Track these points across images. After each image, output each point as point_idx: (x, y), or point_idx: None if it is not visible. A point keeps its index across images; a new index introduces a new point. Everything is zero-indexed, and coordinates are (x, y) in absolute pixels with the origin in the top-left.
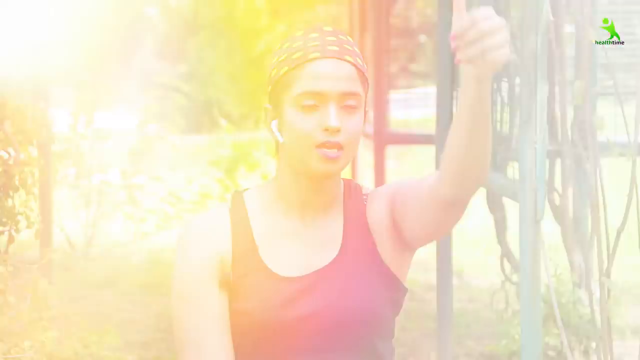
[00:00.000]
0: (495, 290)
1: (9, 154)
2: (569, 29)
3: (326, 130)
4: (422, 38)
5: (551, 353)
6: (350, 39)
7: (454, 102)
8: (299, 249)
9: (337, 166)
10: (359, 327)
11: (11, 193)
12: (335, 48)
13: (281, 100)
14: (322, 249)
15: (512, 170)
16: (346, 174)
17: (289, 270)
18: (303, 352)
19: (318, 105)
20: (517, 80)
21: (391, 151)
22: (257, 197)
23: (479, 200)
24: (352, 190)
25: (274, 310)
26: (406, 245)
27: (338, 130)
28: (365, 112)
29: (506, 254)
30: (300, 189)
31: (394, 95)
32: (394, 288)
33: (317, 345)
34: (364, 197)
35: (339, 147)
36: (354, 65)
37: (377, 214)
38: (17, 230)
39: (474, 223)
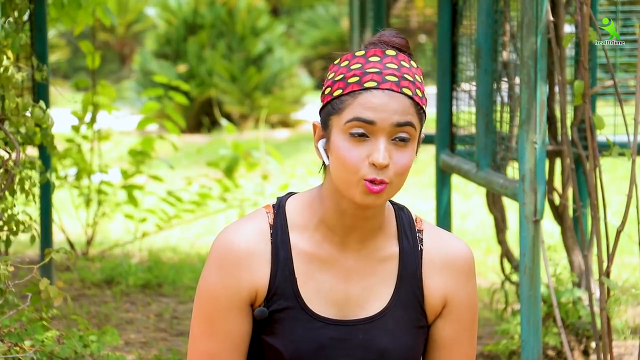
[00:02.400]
0: (495, 290)
1: (9, 154)
2: (569, 29)
3: (373, 165)
4: (422, 38)
5: (551, 353)
6: (413, 64)
7: (454, 102)
8: (340, 284)
9: (380, 200)
10: None
11: (12, 195)
12: (394, 79)
13: (331, 123)
14: (369, 292)
15: (512, 170)
16: None
17: (328, 308)
18: None
19: (368, 136)
20: (517, 80)
21: None
22: (300, 214)
23: (478, 200)
24: (406, 226)
25: (307, 355)
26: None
27: (386, 167)
28: (419, 141)
29: (506, 253)
30: (343, 213)
31: None
32: (425, 339)
33: None
34: (419, 234)
35: (384, 182)
36: (412, 97)
37: (433, 287)
38: (14, 234)
39: (474, 223)
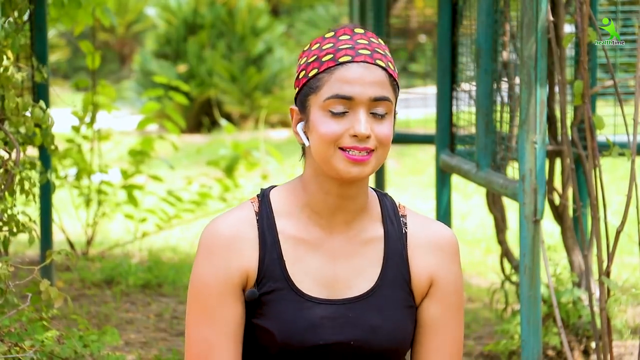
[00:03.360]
0: (495, 290)
1: (9, 154)
2: (569, 29)
3: (355, 136)
4: (422, 38)
5: (551, 353)
6: (381, 41)
7: (454, 102)
8: (328, 265)
9: (365, 169)
10: None
11: (11, 195)
12: (367, 52)
13: (309, 103)
14: (357, 273)
15: (512, 170)
16: None
17: (317, 289)
18: None
19: (347, 111)
20: (517, 80)
21: (391, 151)
22: (284, 201)
23: (478, 200)
24: (390, 211)
25: (298, 334)
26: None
27: (368, 137)
28: (395, 116)
29: (506, 253)
30: (327, 194)
31: None
32: (414, 319)
33: None
34: (403, 219)
35: (368, 150)
36: (385, 69)
37: (419, 267)
38: (14, 234)
39: (474, 223)
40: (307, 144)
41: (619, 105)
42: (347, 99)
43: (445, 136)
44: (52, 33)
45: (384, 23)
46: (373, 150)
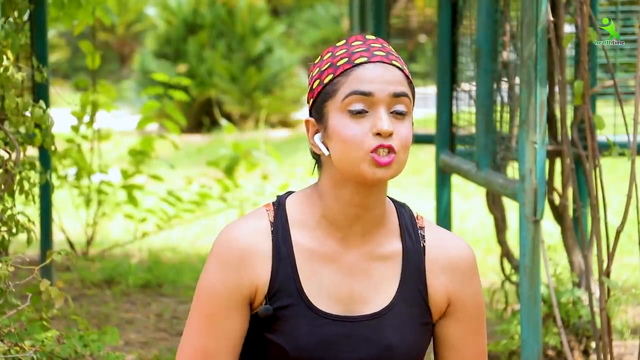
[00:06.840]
0: (495, 290)
1: (9, 154)
2: (569, 29)
3: (378, 134)
4: (422, 38)
5: (551, 353)
6: (392, 49)
7: (454, 102)
8: (344, 280)
9: (389, 172)
10: None
11: (11, 195)
12: (382, 53)
13: (326, 110)
14: (373, 289)
15: (512, 170)
16: None
17: (332, 305)
18: None
19: (367, 110)
20: (517, 80)
21: None
22: (300, 211)
23: (478, 200)
24: (408, 223)
25: (311, 352)
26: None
27: (390, 134)
28: (412, 121)
29: (506, 253)
30: (345, 205)
31: None
32: (430, 335)
33: None
34: (421, 231)
35: (392, 149)
36: (402, 70)
37: (436, 285)
38: (13, 235)
39: (474, 223)
40: (326, 153)
41: (619, 105)
42: (366, 95)
43: (445, 136)
44: (52, 33)
45: (384, 23)
46: (395, 152)
